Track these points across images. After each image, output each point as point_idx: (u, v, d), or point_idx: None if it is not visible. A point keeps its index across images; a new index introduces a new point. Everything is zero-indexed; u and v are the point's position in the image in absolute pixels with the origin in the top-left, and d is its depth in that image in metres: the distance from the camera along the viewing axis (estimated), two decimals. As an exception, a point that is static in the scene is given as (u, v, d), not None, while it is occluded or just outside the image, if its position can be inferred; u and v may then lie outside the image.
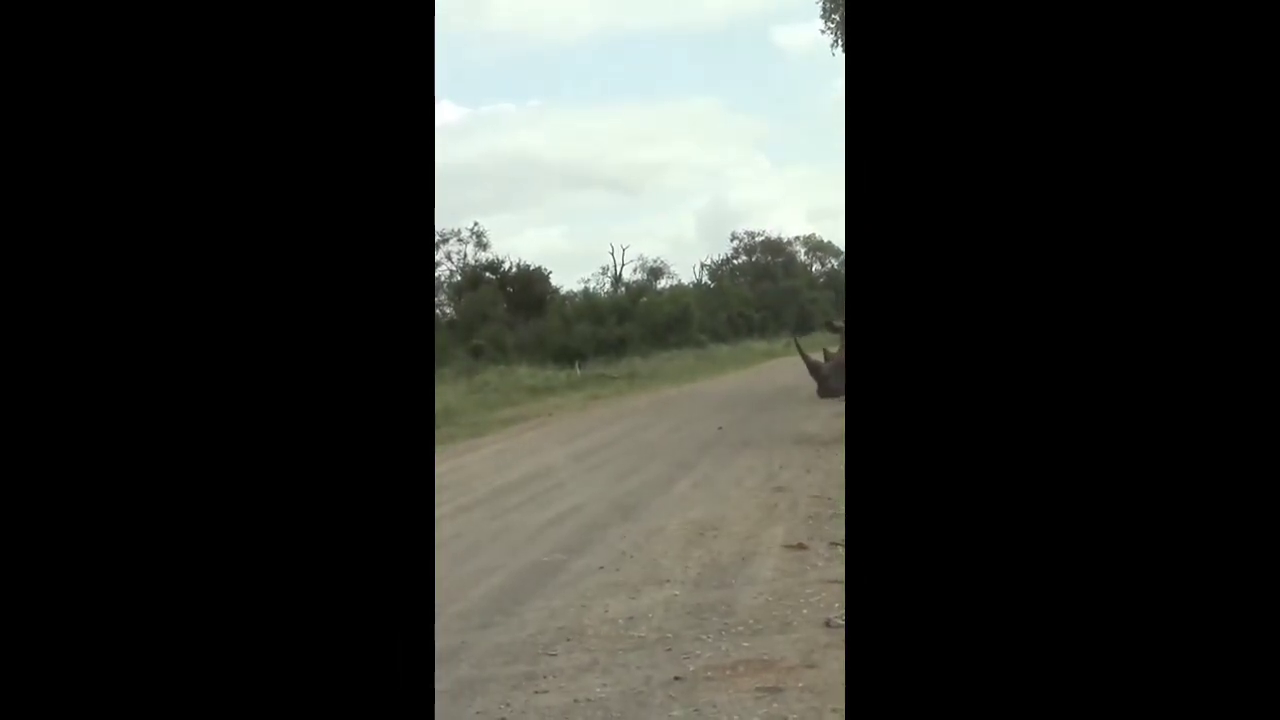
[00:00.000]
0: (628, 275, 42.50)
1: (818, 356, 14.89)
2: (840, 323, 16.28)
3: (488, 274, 36.66)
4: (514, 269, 36.67)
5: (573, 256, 64.42)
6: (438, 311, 34.81)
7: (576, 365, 28.32)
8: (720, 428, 14.13)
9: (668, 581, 6.29)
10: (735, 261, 47.03)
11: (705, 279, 44.89)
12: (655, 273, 43.17)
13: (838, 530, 7.00)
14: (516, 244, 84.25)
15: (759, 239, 47.21)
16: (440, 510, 9.61)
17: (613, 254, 49.16)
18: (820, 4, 21.07)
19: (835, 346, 14.73)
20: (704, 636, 5.13)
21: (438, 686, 5.11)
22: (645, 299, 38.21)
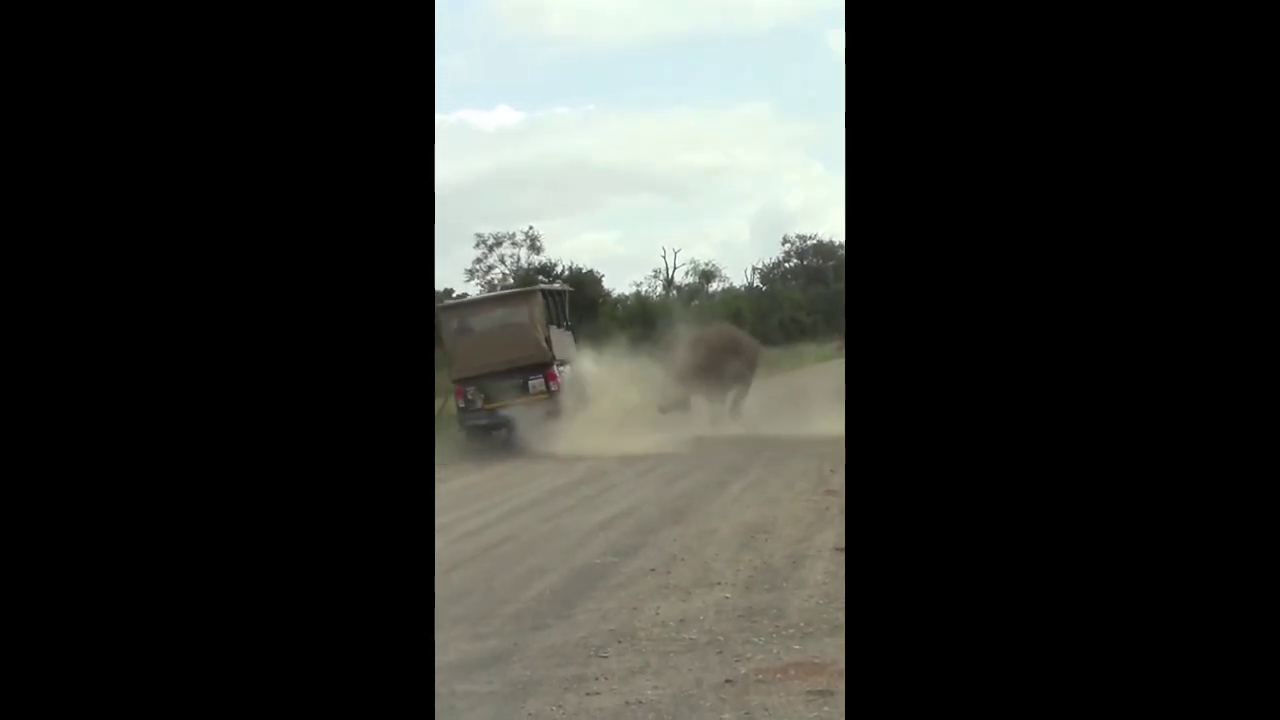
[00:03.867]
0: (679, 279, 42.46)
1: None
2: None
3: (541, 277, 36.75)
4: (566, 272, 36.77)
5: (626, 260, 64.53)
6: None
7: (629, 368, 28.26)
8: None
9: (719, 584, 6.28)
10: (787, 265, 46.81)
11: (757, 282, 44.76)
12: (707, 276, 43.16)
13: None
14: (571, 247, 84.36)
15: (810, 243, 46.98)
16: (493, 512, 9.68)
17: (664, 258, 49.03)
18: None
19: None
20: (755, 639, 5.11)
21: (490, 688, 5.11)
22: (697, 302, 38.15)
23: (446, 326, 15.48)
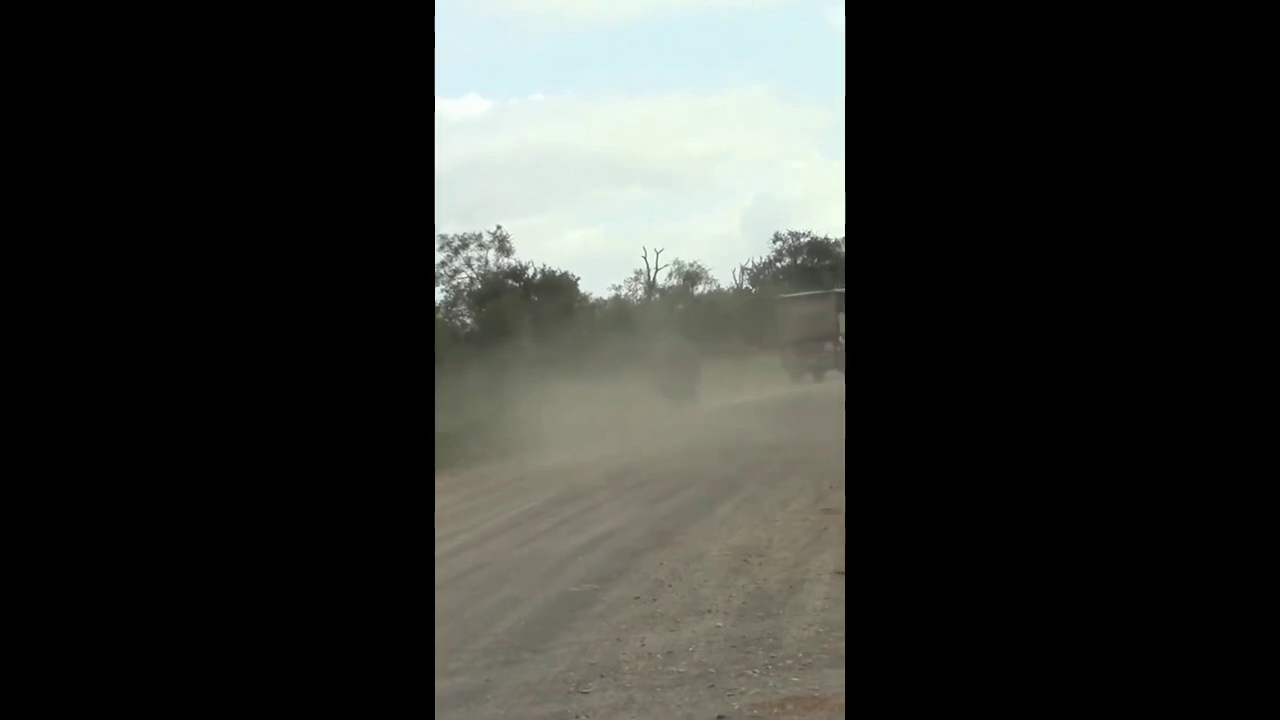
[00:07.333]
0: (662, 281, 42.44)
1: None
2: None
3: (510, 281, 36.67)
4: (538, 275, 36.70)
5: (610, 259, 63.86)
6: (457, 322, 34.90)
7: (608, 378, 28.36)
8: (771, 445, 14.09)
9: (709, 612, 6.28)
10: (779, 265, 46.75)
11: (746, 284, 44.74)
12: (692, 277, 43.11)
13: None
14: (547, 246, 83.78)
15: (804, 240, 46.91)
16: (465, 536, 9.65)
17: (645, 258, 48.82)
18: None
19: None
20: (749, 671, 5.11)
21: (462, 727, 5.00)
22: (681, 306, 38.21)
23: (781, 310, 30.37)
